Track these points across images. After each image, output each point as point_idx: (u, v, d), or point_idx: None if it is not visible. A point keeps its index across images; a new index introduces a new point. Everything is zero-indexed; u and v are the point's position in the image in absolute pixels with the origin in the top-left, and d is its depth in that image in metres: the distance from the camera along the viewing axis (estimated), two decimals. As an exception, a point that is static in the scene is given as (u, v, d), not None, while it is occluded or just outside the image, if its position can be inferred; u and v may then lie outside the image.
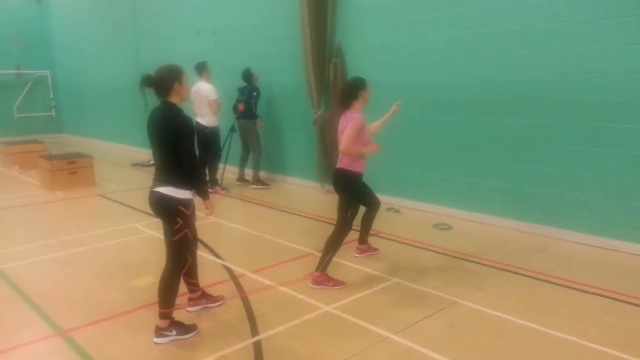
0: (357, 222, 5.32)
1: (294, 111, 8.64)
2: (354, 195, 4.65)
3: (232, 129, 8.63)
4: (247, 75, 8.39)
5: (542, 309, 4.01)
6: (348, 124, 4.39)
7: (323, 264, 4.48)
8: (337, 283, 4.46)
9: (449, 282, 4.57)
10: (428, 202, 6.90)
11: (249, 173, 8.84)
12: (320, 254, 4.57)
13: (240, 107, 8.36)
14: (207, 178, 8.28)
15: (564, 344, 3.50)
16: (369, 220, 5.16)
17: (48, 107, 16.76)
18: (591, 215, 5.45)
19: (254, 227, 6.37)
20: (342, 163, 4.56)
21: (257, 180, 8.65)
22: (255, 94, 8.38)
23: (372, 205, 5.03)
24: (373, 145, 4.55)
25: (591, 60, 5.23)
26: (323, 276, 4.48)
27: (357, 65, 7.41)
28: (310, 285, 4.47)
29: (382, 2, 7.06)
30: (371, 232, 5.32)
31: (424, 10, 6.56)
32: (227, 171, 8.83)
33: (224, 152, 8.58)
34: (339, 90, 4.76)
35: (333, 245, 4.51)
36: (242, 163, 8.87)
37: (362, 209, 5.04)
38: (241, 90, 8.44)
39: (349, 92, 4.54)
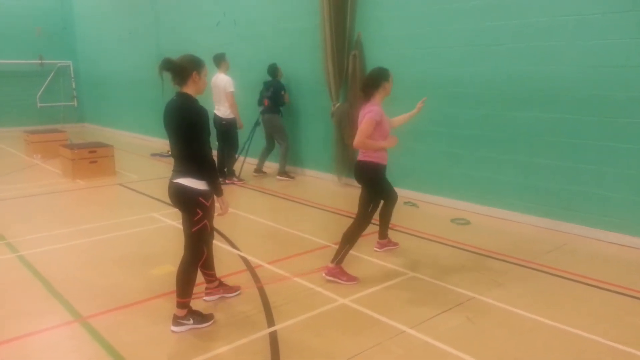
0: (376, 216, 5.31)
1: (312, 103, 8.63)
2: (376, 187, 4.57)
3: (257, 123, 8.69)
4: (273, 70, 8.49)
5: (561, 307, 3.95)
6: (364, 116, 4.32)
7: (339, 257, 4.43)
8: (351, 279, 4.41)
9: (466, 277, 4.52)
10: (446, 197, 6.84)
11: (268, 165, 8.85)
12: (337, 246, 4.56)
13: (265, 102, 8.47)
14: (225, 170, 8.34)
15: (584, 342, 3.45)
16: (387, 213, 5.10)
17: (70, 97, 16.98)
18: (614, 213, 5.34)
19: (271, 218, 6.39)
20: (363, 155, 4.48)
21: (283, 172, 8.69)
22: (283, 92, 8.50)
23: (390, 198, 4.98)
24: (391, 140, 4.46)
25: (617, 54, 5.11)
26: (338, 269, 4.43)
27: (377, 57, 7.34)
28: (324, 276, 4.44)
29: (403, -6, 6.99)
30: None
31: (445, 2, 6.47)
32: (246, 163, 8.86)
33: (245, 145, 8.63)
34: (361, 80, 4.70)
35: (351, 238, 4.46)
36: (264, 155, 8.89)
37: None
38: (266, 85, 8.52)
39: (371, 82, 4.45)
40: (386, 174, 4.64)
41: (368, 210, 4.50)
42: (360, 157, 4.53)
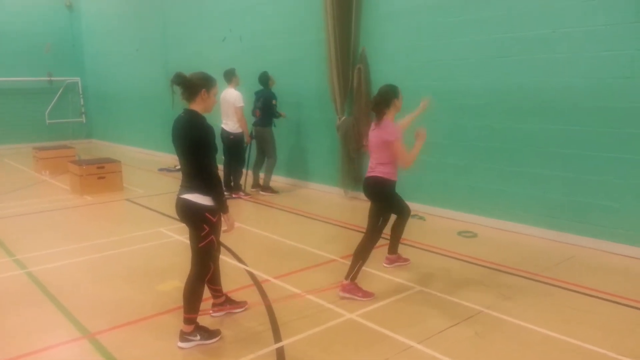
0: (387, 230, 5.28)
1: (317, 117, 8.66)
2: (388, 203, 4.54)
3: (251, 135, 8.54)
4: (264, 79, 8.35)
5: (571, 320, 3.92)
6: (388, 140, 4.25)
7: (352, 273, 4.38)
8: (367, 294, 4.36)
9: (474, 290, 4.50)
10: (453, 209, 6.82)
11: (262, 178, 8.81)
12: (348, 262, 4.53)
13: (257, 113, 8.38)
14: (232, 184, 8.36)
15: (594, 356, 3.41)
16: (399, 227, 5.06)
17: (78, 113, 17.13)
18: (623, 224, 5.31)
19: (278, 232, 6.39)
20: (377, 171, 4.39)
21: (267, 187, 8.63)
22: (274, 102, 8.35)
23: (403, 213, 4.96)
24: (421, 136, 4.44)
25: (623, 65, 5.11)
26: (352, 285, 4.38)
27: (382, 71, 7.40)
28: (340, 293, 4.39)
29: (406, 7, 7.03)
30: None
31: (449, 15, 6.51)
32: (249, 177, 8.88)
33: (247, 158, 8.64)
34: (367, 96, 4.66)
35: (363, 253, 4.41)
36: (256, 169, 8.81)
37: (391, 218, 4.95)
38: (257, 95, 8.40)
39: (382, 101, 4.36)
40: (396, 189, 4.61)
41: (378, 224, 4.47)
42: (370, 173, 4.49)
